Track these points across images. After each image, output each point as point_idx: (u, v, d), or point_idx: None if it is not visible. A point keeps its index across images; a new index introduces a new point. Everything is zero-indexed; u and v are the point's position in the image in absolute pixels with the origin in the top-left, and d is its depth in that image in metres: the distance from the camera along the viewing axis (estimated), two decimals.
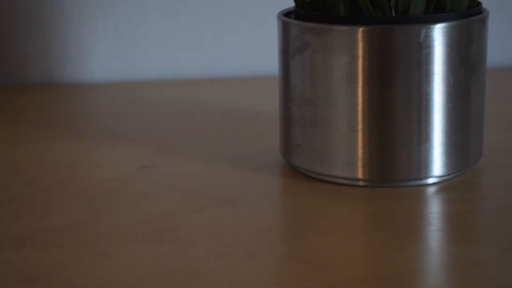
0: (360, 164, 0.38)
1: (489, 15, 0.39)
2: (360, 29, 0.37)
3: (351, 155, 0.38)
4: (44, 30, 0.63)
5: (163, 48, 0.64)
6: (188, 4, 0.63)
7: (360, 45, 0.37)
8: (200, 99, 0.57)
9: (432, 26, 0.36)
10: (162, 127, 0.51)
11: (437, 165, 0.38)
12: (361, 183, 0.39)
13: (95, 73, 0.64)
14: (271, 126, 0.47)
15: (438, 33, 0.37)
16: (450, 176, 0.39)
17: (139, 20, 0.63)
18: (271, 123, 0.47)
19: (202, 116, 0.53)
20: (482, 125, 0.40)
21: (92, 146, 0.47)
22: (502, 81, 0.61)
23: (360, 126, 0.38)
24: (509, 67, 0.65)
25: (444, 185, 0.39)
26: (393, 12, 0.37)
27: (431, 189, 0.39)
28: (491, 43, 0.62)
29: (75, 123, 0.53)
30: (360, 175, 0.38)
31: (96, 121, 0.53)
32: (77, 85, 0.63)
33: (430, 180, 0.39)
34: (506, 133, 0.47)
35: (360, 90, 0.37)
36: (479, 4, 0.40)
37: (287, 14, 0.41)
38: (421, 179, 0.39)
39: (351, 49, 0.37)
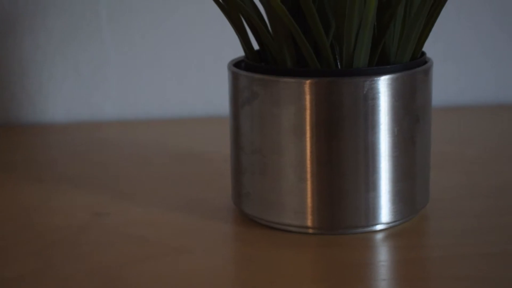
0: (309, 212, 0.39)
1: (433, 64, 0.40)
2: (307, 81, 0.37)
3: (300, 203, 0.39)
4: (4, 70, 0.63)
5: (123, 89, 0.64)
6: (148, 45, 0.64)
7: (307, 97, 0.38)
8: (159, 141, 0.58)
9: (376, 78, 0.37)
10: (119, 170, 0.51)
11: (384, 212, 0.39)
12: (310, 230, 0.39)
13: (55, 113, 0.64)
14: (227, 169, 0.47)
15: (382, 85, 0.37)
16: (397, 223, 0.40)
17: (99, 61, 0.64)
18: (227, 167, 0.47)
19: (160, 158, 0.53)
20: (429, 172, 0.41)
21: (48, 191, 0.48)
22: (458, 120, 0.63)
23: (308, 175, 0.38)
24: (464, 106, 0.66)
25: (391, 231, 0.40)
26: (338, 64, 0.38)
27: (379, 236, 0.39)
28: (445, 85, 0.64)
29: (31, 166, 0.53)
30: (309, 223, 0.39)
31: (53, 164, 0.54)
32: (37, 126, 0.63)
33: (378, 227, 0.40)
34: (453, 176, 0.48)
35: (307, 140, 0.38)
36: (423, 54, 0.41)
37: (238, 63, 0.42)
38: (369, 226, 0.39)
39: (298, 100, 0.38)
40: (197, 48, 0.64)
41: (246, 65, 0.41)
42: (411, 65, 0.39)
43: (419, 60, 0.40)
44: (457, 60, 0.66)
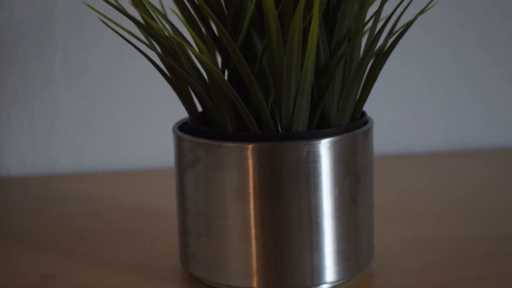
0: (254, 273, 0.39)
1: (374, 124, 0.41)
2: (248, 146, 0.38)
3: (245, 265, 0.39)
4: None
5: (78, 142, 0.64)
6: (103, 99, 0.64)
7: (249, 161, 0.38)
8: (113, 195, 0.58)
9: (315, 142, 0.38)
10: (70, 227, 0.51)
11: (329, 272, 0.40)
12: None
13: (10, 167, 0.64)
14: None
15: (322, 148, 0.38)
16: (342, 281, 0.40)
17: (55, 115, 0.64)
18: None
19: (111, 213, 0.53)
20: (372, 230, 0.42)
21: None
22: (407, 169, 0.63)
23: (252, 238, 0.39)
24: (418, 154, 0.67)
25: None
26: (279, 128, 0.39)
27: None
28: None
29: None
30: (255, 284, 0.39)
31: (4, 221, 0.53)
32: None
33: (324, 286, 0.40)
34: (399, 229, 0.48)
35: (251, 203, 0.38)
36: (364, 114, 0.42)
37: (183, 124, 0.43)
38: (314, 286, 0.40)
39: (241, 164, 0.38)
40: (151, 101, 0.64)
41: (190, 128, 0.41)
42: (350, 127, 0.40)
43: (359, 122, 0.40)
44: (406, 108, 0.67)
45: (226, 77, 0.40)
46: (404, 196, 0.55)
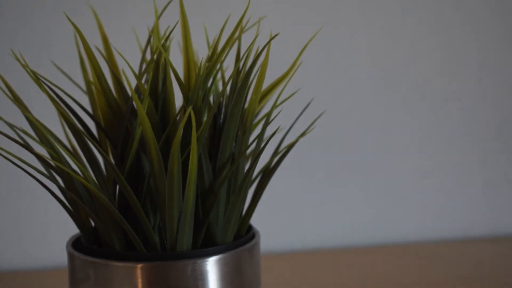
0: None
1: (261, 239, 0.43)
2: (136, 266, 0.39)
3: None
4: None
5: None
6: (26, 190, 0.65)
7: (138, 280, 0.39)
8: None
9: (199, 261, 0.40)
10: None
11: None
12: None
13: None
14: None
15: (208, 265, 0.40)
16: None
17: None
18: None
19: None
20: None
21: None
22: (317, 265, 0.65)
23: None
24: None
25: None
26: (166, 245, 0.41)
27: None
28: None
29: None
30: None
31: None
32: None
33: None
34: None
35: None
36: (251, 229, 0.44)
37: (79, 238, 0.44)
38: None
39: (129, 283, 0.39)
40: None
41: (82, 246, 0.42)
42: (234, 244, 0.41)
43: (244, 238, 0.42)
44: (308, 205, 0.70)
45: (117, 193, 0.42)
46: None
